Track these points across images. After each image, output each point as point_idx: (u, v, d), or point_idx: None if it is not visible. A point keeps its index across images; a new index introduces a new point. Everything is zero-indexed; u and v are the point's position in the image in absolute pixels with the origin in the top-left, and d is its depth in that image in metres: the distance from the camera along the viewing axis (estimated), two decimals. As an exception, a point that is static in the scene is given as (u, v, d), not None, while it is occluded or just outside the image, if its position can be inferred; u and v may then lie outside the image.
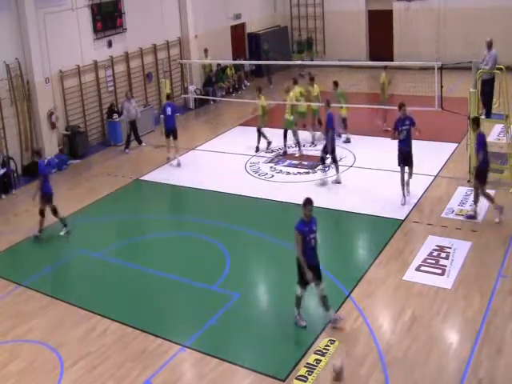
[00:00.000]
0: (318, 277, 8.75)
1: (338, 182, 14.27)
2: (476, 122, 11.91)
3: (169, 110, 16.29)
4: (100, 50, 18.93)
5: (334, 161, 14.29)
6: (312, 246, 8.68)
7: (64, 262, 11.66)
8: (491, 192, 12.96)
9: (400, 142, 12.60)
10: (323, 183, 14.30)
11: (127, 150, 17.94)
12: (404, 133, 12.53)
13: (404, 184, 12.77)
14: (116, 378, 8.22)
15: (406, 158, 12.61)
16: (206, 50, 22.83)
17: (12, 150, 16.23)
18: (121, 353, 8.74)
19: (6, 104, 16.10)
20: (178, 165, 16.31)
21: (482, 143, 11.57)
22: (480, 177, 11.57)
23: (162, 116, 16.89)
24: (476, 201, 11.84)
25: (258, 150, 16.94)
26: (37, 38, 16.49)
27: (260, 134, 17.00)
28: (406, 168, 12.74)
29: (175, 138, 16.45)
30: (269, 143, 17.12)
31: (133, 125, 17.95)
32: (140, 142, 18.29)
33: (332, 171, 14.40)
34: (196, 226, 12.87)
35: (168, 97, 17.16)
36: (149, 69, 21.05)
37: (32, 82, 16.53)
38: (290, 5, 28.49)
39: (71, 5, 17.84)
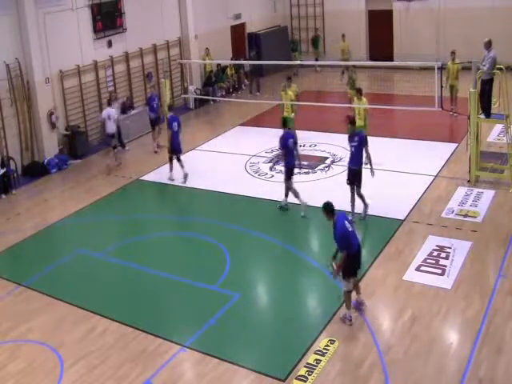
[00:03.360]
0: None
1: (186, 176, 15.06)
2: (283, 122, 12.97)
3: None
4: (100, 50, 18.93)
5: (178, 159, 15.06)
6: None
7: (64, 262, 11.65)
8: (490, 192, 13.01)
9: (349, 159, 11.99)
10: (171, 178, 15.28)
11: (119, 149, 17.97)
12: (352, 149, 11.81)
13: (353, 203, 12.05)
14: (116, 378, 8.22)
15: (352, 177, 11.91)
16: (207, 49, 22.85)
17: (12, 149, 16.24)
18: (121, 353, 8.74)
19: (6, 104, 16.11)
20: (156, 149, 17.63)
21: (286, 144, 12.51)
22: (286, 174, 12.74)
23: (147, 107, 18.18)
24: (286, 194, 12.89)
25: None
26: (37, 38, 16.49)
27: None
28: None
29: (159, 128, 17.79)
30: None
31: (116, 126, 17.85)
32: (123, 146, 18.10)
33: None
34: (196, 226, 12.88)
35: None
36: (149, 69, 21.05)
37: (32, 82, 16.53)
38: (290, 5, 28.48)
39: (71, 5, 17.84)
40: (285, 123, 13.09)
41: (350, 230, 8.71)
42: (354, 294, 9.11)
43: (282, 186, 13.09)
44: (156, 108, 17.77)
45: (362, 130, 12.30)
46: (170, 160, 15.24)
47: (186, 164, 16.49)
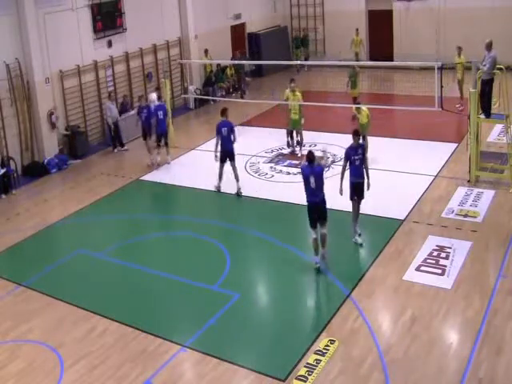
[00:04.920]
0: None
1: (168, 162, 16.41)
2: (221, 111, 14.15)
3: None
4: (100, 50, 18.93)
5: (166, 144, 16.58)
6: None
7: (64, 262, 11.65)
8: (490, 192, 13.01)
9: (351, 173, 11.25)
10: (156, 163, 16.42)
11: (119, 149, 18.12)
12: (356, 162, 11.16)
13: (356, 218, 11.51)
14: (116, 378, 8.22)
15: (357, 191, 11.30)
16: (206, 51, 22.82)
17: (12, 150, 16.24)
18: (121, 353, 8.74)
19: (6, 104, 16.11)
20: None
21: (220, 131, 13.77)
22: (220, 157, 14.03)
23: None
24: (236, 177, 14.08)
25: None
26: (37, 38, 16.48)
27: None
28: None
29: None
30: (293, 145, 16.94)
31: (115, 126, 18.03)
32: (122, 145, 18.32)
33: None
34: (196, 226, 12.88)
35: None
36: (149, 69, 21.06)
37: (32, 82, 16.52)
38: (290, 5, 28.49)
39: (71, 5, 17.84)
40: (223, 112, 14.14)
41: (312, 186, 10.28)
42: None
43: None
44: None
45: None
46: (158, 146, 16.36)
47: (186, 164, 16.61)
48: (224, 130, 13.86)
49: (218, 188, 14.29)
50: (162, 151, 16.57)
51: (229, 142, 13.91)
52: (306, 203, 10.54)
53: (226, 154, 13.95)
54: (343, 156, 11.43)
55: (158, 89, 18.32)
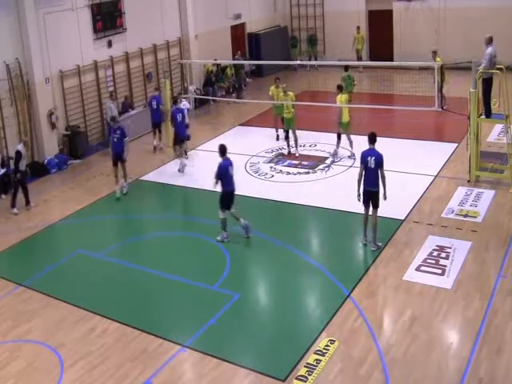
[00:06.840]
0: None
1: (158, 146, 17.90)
2: (174, 100, 16.22)
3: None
4: (100, 50, 18.93)
5: (159, 131, 18.00)
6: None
7: (64, 262, 11.65)
8: (490, 192, 13.01)
9: (364, 180, 10.93)
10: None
11: None
12: (370, 167, 10.81)
13: (366, 224, 11.20)
14: (116, 378, 8.22)
15: (370, 198, 10.99)
16: (215, 62, 22.70)
17: (12, 149, 16.17)
18: (121, 353, 8.74)
19: (6, 104, 16.10)
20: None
21: (175, 117, 15.49)
22: (174, 140, 15.91)
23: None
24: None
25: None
26: (37, 37, 16.48)
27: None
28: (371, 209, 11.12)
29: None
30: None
31: None
32: None
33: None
34: (196, 226, 12.88)
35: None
36: (149, 69, 21.07)
37: (32, 82, 16.52)
38: (290, 5, 28.50)
39: (71, 5, 17.84)
40: (175, 101, 16.21)
41: (230, 174, 11.44)
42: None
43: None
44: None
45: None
46: (154, 133, 17.99)
47: (185, 164, 16.67)
48: (179, 116, 15.41)
49: (181, 169, 15.68)
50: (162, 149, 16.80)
51: (182, 127, 15.55)
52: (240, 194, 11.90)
53: (181, 137, 15.59)
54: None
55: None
